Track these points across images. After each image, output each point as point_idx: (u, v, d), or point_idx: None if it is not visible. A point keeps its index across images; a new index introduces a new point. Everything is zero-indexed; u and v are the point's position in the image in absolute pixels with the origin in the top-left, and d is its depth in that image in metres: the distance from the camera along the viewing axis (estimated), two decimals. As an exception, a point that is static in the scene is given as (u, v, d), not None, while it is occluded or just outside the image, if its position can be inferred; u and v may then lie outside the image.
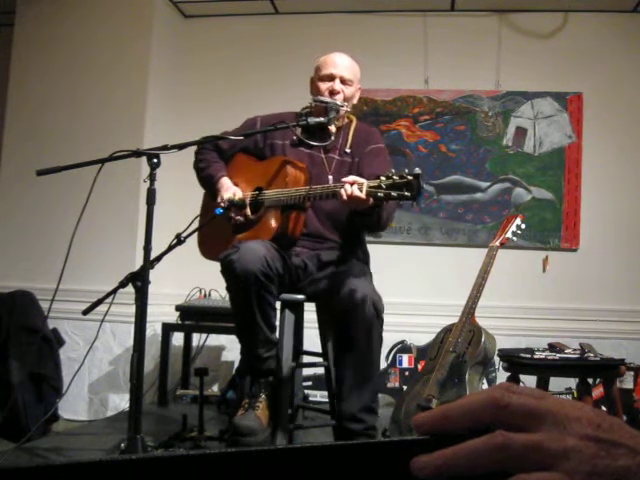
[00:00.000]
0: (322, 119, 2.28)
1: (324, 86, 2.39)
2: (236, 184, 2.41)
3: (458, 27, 4.20)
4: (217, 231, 2.45)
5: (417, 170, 1.91)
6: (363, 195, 1.97)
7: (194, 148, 2.48)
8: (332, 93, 2.37)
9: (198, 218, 2.43)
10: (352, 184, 2.00)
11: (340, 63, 2.42)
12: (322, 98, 2.34)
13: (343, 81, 2.40)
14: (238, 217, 2.33)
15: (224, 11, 4.32)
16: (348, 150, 2.42)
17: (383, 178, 1.94)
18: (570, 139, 4.07)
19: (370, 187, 1.96)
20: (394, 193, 1.91)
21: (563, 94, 4.08)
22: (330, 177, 2.37)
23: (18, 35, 4.06)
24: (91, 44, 3.98)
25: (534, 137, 4.10)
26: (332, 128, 2.28)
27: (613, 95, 4.05)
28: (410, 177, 1.89)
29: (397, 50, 4.20)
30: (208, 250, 2.52)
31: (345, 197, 2.00)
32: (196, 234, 2.41)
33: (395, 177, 1.91)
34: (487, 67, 4.14)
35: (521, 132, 4.11)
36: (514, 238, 2.86)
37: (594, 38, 4.09)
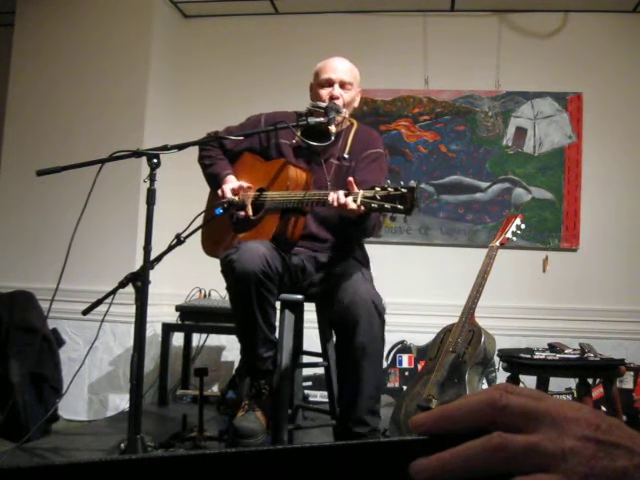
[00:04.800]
0: (322, 119, 2.28)
1: (323, 92, 2.39)
2: None
3: (458, 27, 4.20)
4: (220, 229, 2.45)
5: (412, 183, 1.91)
6: (354, 205, 1.97)
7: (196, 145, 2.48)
8: (332, 98, 2.37)
9: (198, 218, 2.42)
10: (347, 195, 2.00)
11: (339, 68, 2.42)
12: (319, 103, 2.34)
13: (342, 85, 2.40)
14: (241, 213, 2.33)
15: (224, 11, 4.32)
16: (346, 155, 2.42)
17: (378, 189, 1.93)
18: (570, 139, 4.07)
19: (365, 197, 1.96)
20: (388, 205, 1.91)
21: (563, 94, 4.08)
22: (329, 183, 2.38)
23: (18, 35, 4.06)
24: (91, 44, 3.98)
25: (534, 137, 4.10)
26: (332, 128, 2.28)
27: (613, 95, 4.05)
28: (404, 190, 1.89)
29: (397, 50, 4.20)
30: (210, 247, 2.52)
31: (335, 203, 2.01)
32: (199, 231, 2.41)
33: (390, 189, 1.91)
34: (487, 67, 4.13)
35: (521, 132, 4.11)
36: (514, 238, 2.86)
37: (594, 38, 4.09)
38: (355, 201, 1.98)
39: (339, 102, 2.37)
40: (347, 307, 2.12)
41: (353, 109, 2.52)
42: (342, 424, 2.25)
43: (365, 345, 2.12)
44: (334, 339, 2.32)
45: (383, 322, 2.18)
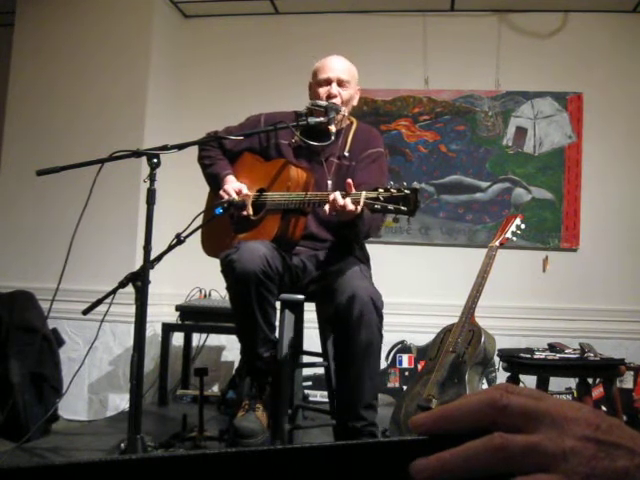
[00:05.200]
0: (322, 119, 2.28)
1: (321, 90, 2.40)
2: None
3: (458, 27, 4.20)
4: (220, 229, 2.45)
5: (415, 184, 1.93)
6: (353, 207, 1.98)
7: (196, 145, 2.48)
8: (329, 97, 2.38)
9: (198, 217, 2.42)
10: (345, 196, 2.01)
11: (336, 66, 2.42)
12: (319, 102, 2.35)
13: (340, 84, 2.40)
14: (243, 213, 2.33)
15: (224, 11, 4.32)
16: (347, 154, 2.42)
17: (381, 190, 1.95)
18: (570, 139, 4.07)
19: (368, 198, 1.97)
20: (391, 206, 1.92)
21: (563, 94, 4.08)
22: (329, 182, 2.38)
23: (18, 35, 4.06)
24: (91, 44, 3.98)
25: (534, 137, 4.10)
26: (332, 128, 2.28)
27: (613, 95, 4.05)
28: (408, 191, 1.91)
29: (397, 50, 4.20)
30: (210, 247, 2.52)
31: (332, 205, 2.01)
32: (199, 230, 2.41)
33: (393, 190, 1.93)
34: (487, 67, 4.14)
35: (521, 132, 4.11)
36: (514, 238, 2.86)
37: (594, 38, 4.09)
38: (358, 202, 1.98)
39: (337, 100, 2.38)
40: (345, 303, 2.13)
41: (352, 107, 2.53)
42: (340, 419, 2.25)
43: (363, 342, 2.13)
44: (333, 335, 2.32)
45: (381, 318, 2.18)
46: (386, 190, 1.94)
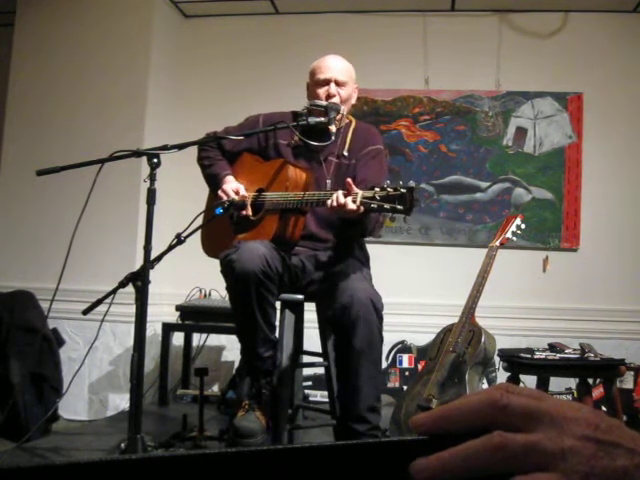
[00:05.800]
0: (322, 119, 2.28)
1: (320, 91, 2.40)
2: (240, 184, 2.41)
3: (458, 27, 4.20)
4: (220, 229, 2.45)
5: (411, 183, 1.91)
6: (354, 206, 1.97)
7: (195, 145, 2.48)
8: (328, 97, 2.38)
9: (198, 217, 2.42)
10: (346, 195, 2.00)
11: (333, 66, 2.42)
12: (318, 102, 2.35)
13: (338, 84, 2.40)
14: (242, 213, 2.34)
15: (224, 11, 4.32)
16: (346, 153, 2.42)
17: (377, 189, 1.94)
18: (570, 139, 4.07)
19: (364, 198, 1.96)
20: (387, 205, 1.91)
21: (563, 94, 4.08)
22: (328, 181, 2.38)
23: (18, 35, 4.06)
24: (91, 44, 3.98)
25: (534, 137, 4.10)
26: (332, 128, 2.28)
27: (613, 95, 4.05)
28: (403, 190, 1.90)
29: (397, 50, 4.20)
30: (210, 247, 2.52)
31: (335, 204, 2.01)
32: (199, 230, 2.41)
33: (389, 189, 1.92)
34: (487, 67, 4.14)
35: (521, 132, 4.11)
36: (514, 238, 2.86)
37: (594, 38, 4.09)
38: (355, 202, 1.98)
39: (336, 100, 2.38)
40: (345, 306, 2.12)
41: (352, 106, 2.52)
42: (342, 422, 2.25)
43: (363, 344, 2.13)
44: (333, 337, 2.32)
45: (381, 320, 2.18)
46: (382, 189, 1.94)
